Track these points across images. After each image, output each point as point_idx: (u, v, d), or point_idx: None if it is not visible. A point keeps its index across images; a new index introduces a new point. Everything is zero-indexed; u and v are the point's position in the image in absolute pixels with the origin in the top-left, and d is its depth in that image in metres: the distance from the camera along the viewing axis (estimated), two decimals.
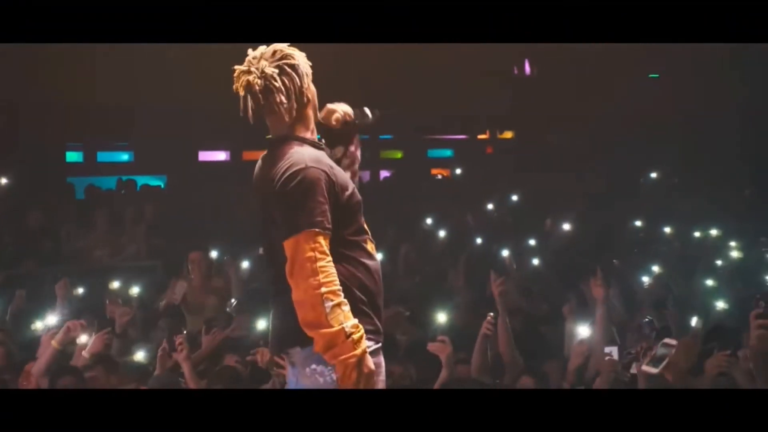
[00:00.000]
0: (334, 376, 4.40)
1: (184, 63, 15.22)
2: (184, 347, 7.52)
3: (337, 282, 4.32)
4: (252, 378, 7.48)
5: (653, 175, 16.15)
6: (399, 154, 20.18)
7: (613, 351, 7.33)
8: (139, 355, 8.26)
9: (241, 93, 4.55)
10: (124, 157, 18.29)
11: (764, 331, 6.46)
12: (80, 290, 10.21)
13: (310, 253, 4.28)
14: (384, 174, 19.26)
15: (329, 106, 4.91)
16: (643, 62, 17.55)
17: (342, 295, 4.33)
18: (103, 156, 17.98)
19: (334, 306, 4.26)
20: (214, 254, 11.08)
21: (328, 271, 4.30)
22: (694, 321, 8.29)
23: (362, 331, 4.34)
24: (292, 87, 4.53)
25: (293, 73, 4.54)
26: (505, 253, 11.62)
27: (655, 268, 10.79)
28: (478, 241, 12.83)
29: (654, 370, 6.46)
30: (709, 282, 10.45)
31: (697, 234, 13.01)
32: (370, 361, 4.34)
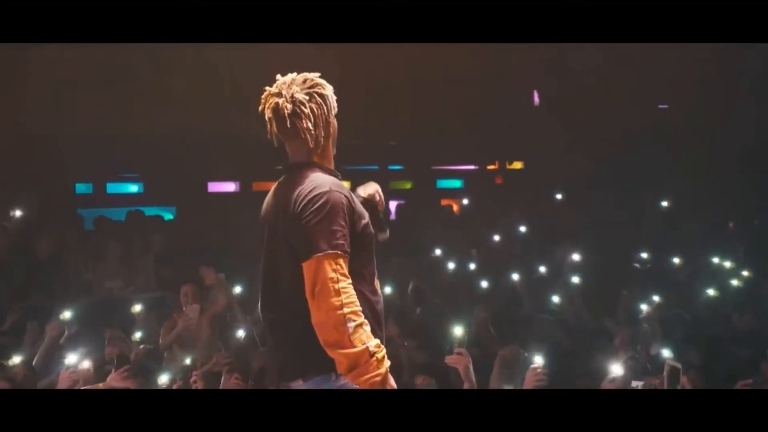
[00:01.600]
0: None
1: (194, 93, 15.30)
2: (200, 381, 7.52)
3: (358, 303, 4.33)
4: None
5: (664, 203, 16.14)
6: (409, 185, 20.19)
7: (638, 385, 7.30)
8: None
9: (268, 115, 4.57)
10: (134, 188, 18.31)
11: None
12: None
13: (333, 274, 4.29)
14: (393, 204, 19.28)
15: (371, 183, 5.00)
16: (652, 91, 17.60)
17: (363, 316, 4.33)
18: (112, 187, 18.01)
19: (356, 326, 4.28)
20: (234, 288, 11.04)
21: (350, 291, 4.31)
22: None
23: (384, 350, 4.35)
24: (320, 115, 4.59)
25: (322, 102, 4.60)
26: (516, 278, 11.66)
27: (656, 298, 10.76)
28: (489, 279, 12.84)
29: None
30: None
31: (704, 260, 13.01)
32: (392, 380, 4.36)
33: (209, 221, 15.56)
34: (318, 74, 4.71)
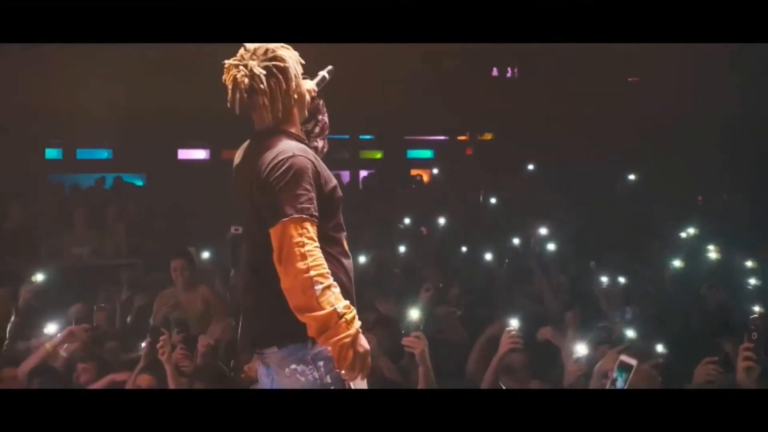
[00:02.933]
0: (316, 375, 4.42)
1: (165, 61, 15.21)
2: (165, 349, 7.47)
3: (326, 266, 4.30)
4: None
5: (631, 177, 16.20)
6: (379, 155, 20.21)
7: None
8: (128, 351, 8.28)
9: (228, 86, 4.56)
10: (104, 154, 18.25)
11: (751, 363, 6.45)
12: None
13: (298, 239, 4.27)
14: (363, 174, 19.29)
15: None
16: (625, 64, 17.64)
17: (331, 278, 4.31)
18: (82, 153, 17.94)
19: (324, 288, 4.24)
20: (202, 255, 11.01)
21: (316, 255, 4.28)
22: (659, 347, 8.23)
23: (354, 311, 4.32)
24: (277, 90, 4.54)
25: (280, 76, 4.54)
26: (489, 256, 11.67)
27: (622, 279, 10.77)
28: (464, 249, 12.87)
29: (621, 386, 6.43)
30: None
31: (676, 235, 13.06)
32: (364, 341, 4.33)
33: (179, 188, 15.52)
34: (282, 44, 4.66)
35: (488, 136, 20.66)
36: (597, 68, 17.27)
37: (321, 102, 5.03)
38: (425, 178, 18.93)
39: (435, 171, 18.36)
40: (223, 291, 10.14)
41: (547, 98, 17.46)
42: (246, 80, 4.50)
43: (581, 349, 7.66)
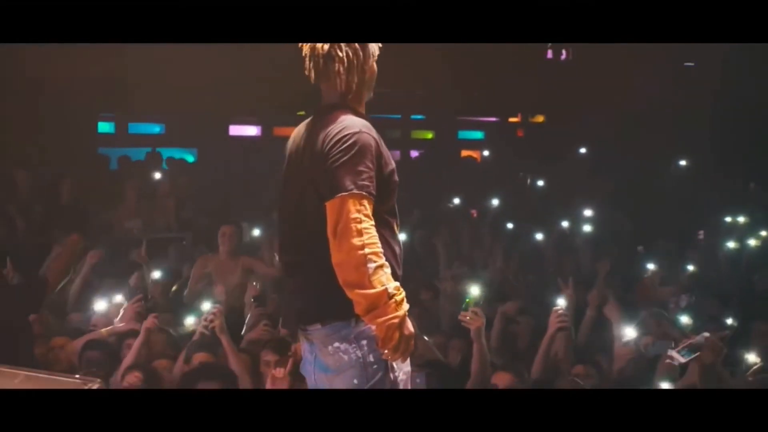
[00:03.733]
0: (359, 353, 4.40)
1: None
2: (217, 319, 7.51)
3: (380, 245, 4.29)
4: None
5: (682, 163, 16.07)
6: (430, 135, 20.18)
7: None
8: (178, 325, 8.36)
9: (305, 52, 4.57)
10: (156, 129, 18.35)
11: None
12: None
13: (356, 215, 4.25)
14: (414, 154, 19.29)
15: None
16: (679, 48, 17.46)
17: (383, 258, 4.29)
18: (134, 127, 18.04)
19: (377, 267, 4.22)
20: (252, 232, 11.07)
21: (372, 233, 4.27)
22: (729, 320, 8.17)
23: (404, 293, 4.30)
24: (355, 60, 4.54)
25: (359, 47, 4.56)
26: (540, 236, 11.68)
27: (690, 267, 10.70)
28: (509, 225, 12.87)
29: (682, 360, 6.41)
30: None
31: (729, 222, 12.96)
32: (410, 324, 4.31)
33: (230, 164, 15.57)
34: None
35: (540, 119, 20.57)
36: (651, 52, 17.11)
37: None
38: (476, 158, 18.89)
39: (486, 152, 18.31)
40: (268, 265, 10.20)
41: (600, 82, 17.33)
42: (325, 47, 4.51)
43: (630, 332, 7.65)
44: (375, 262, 4.23)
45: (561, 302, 7.61)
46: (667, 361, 6.64)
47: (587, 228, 12.41)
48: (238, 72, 15.58)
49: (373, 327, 4.31)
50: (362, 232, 4.24)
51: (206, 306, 7.96)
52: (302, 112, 18.82)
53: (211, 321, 7.48)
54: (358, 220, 4.25)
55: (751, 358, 7.14)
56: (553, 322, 7.48)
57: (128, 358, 7.39)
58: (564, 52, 19.40)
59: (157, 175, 14.07)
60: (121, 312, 8.18)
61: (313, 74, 4.57)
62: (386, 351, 4.29)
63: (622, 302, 8.94)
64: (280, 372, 6.71)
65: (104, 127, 17.66)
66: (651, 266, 10.55)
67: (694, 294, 9.85)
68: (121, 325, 8.05)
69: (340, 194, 4.28)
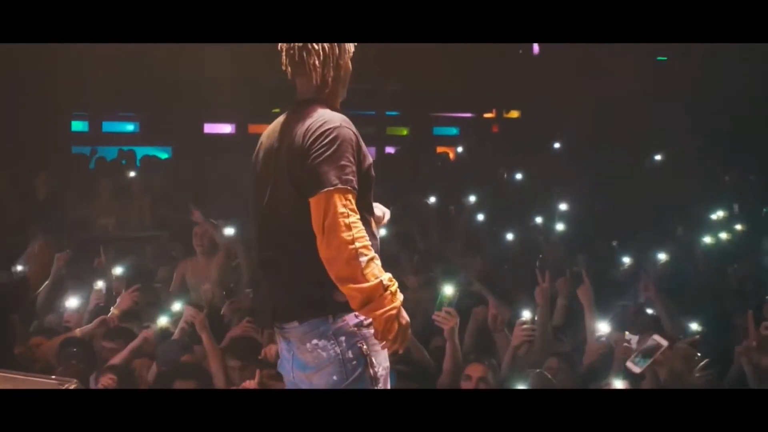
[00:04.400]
0: (337, 350, 4.38)
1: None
2: (198, 316, 7.50)
3: (368, 238, 4.28)
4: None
5: (657, 157, 16.11)
6: (405, 131, 20.19)
7: (632, 339, 7.17)
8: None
9: (281, 46, 4.57)
10: (130, 127, 18.30)
11: None
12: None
13: (342, 209, 4.24)
14: (389, 150, 19.29)
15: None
16: (653, 45, 17.51)
17: (373, 251, 4.29)
18: (108, 126, 17.99)
19: (368, 260, 4.22)
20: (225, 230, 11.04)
21: (360, 226, 4.26)
22: (694, 325, 8.17)
23: (396, 284, 4.30)
24: (330, 55, 4.54)
25: (335, 42, 4.57)
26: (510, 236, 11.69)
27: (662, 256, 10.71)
28: (480, 218, 12.89)
29: (637, 369, 6.38)
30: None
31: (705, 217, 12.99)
32: (405, 313, 4.32)
33: (205, 162, 15.55)
34: None
35: (515, 114, 20.61)
36: (625, 46, 17.16)
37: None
38: (451, 155, 18.90)
39: (460, 149, 18.32)
40: (245, 263, 10.20)
41: (575, 75, 17.38)
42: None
43: (603, 328, 7.66)
44: (366, 255, 4.22)
45: (526, 314, 7.58)
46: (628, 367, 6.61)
47: (564, 223, 12.41)
48: (212, 70, 15.55)
49: (364, 320, 4.34)
50: (350, 226, 4.23)
51: (181, 306, 7.98)
52: (277, 110, 18.85)
53: (193, 318, 7.48)
54: (345, 214, 4.24)
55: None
56: (518, 335, 7.45)
57: (116, 359, 7.40)
58: (536, 46, 19.44)
59: (132, 173, 14.03)
60: (118, 300, 8.19)
61: (289, 69, 4.58)
62: (385, 343, 4.29)
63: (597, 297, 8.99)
64: (251, 384, 6.72)
65: (78, 125, 17.60)
66: (627, 260, 10.59)
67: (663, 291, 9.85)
68: (92, 323, 8.05)
69: (325, 189, 4.26)
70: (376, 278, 4.22)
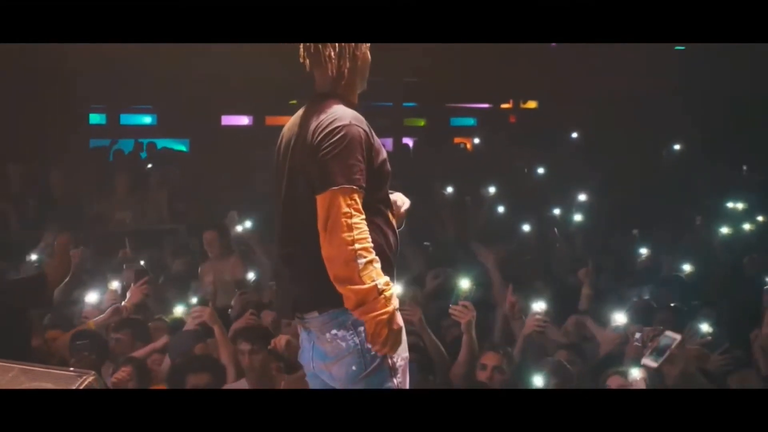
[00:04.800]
0: (357, 340, 4.38)
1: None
2: (205, 310, 7.55)
3: (370, 240, 4.28)
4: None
5: (676, 147, 16.06)
6: (422, 122, 20.18)
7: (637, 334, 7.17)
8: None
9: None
10: (147, 120, 18.33)
11: None
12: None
13: (346, 209, 4.24)
14: (406, 141, 19.29)
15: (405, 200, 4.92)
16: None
17: (374, 253, 4.28)
18: (126, 118, 18.03)
19: (366, 263, 4.22)
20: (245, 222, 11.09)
21: (362, 227, 4.26)
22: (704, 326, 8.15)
23: (392, 289, 4.30)
24: (346, 45, 4.54)
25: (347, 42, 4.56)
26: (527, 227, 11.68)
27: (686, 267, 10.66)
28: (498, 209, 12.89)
29: (654, 364, 6.37)
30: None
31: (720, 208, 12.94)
32: (399, 319, 4.31)
33: (222, 155, 15.57)
34: None
35: (532, 105, 20.57)
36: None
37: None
38: (468, 146, 18.88)
39: (477, 140, 18.30)
40: (264, 256, 10.23)
41: (592, 66, 17.32)
42: None
43: (620, 318, 7.65)
44: (365, 257, 4.22)
45: (539, 306, 7.59)
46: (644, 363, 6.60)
47: (581, 214, 12.40)
48: (229, 62, 15.56)
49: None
50: (352, 227, 4.23)
51: (195, 300, 8.05)
52: (294, 101, 18.91)
53: (200, 315, 7.53)
54: (348, 214, 4.24)
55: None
56: (530, 325, 7.48)
57: (136, 354, 7.47)
58: None
59: (149, 166, 14.07)
60: (128, 294, 8.22)
61: (307, 61, 4.58)
62: (375, 347, 4.29)
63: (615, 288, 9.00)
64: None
65: (95, 118, 17.64)
66: (644, 251, 10.58)
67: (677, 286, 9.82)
68: (104, 313, 8.09)
69: (330, 188, 4.27)
70: (372, 281, 4.21)
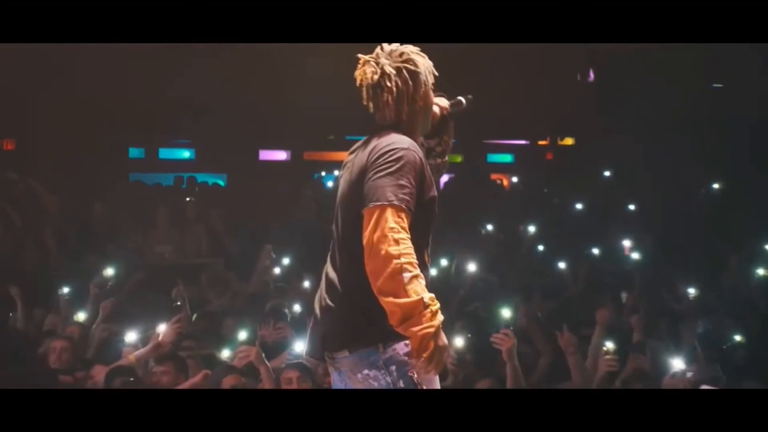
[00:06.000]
0: (389, 379, 4.37)
1: (249, 62, 15.33)
2: (251, 351, 7.58)
3: (415, 256, 4.27)
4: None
5: (715, 186, 15.96)
6: (459, 158, 20.16)
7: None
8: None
9: (358, 81, 4.61)
10: (186, 154, 18.43)
11: None
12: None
13: (394, 225, 4.24)
14: (444, 178, 19.26)
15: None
16: (709, 68, 17.36)
17: (419, 269, 4.26)
18: (164, 153, 18.14)
19: (412, 277, 4.20)
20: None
21: (408, 243, 4.25)
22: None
23: (438, 305, 4.26)
24: (405, 90, 4.57)
25: (409, 78, 4.58)
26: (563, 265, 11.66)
27: None
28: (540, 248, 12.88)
29: None
30: None
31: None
32: (444, 336, 4.27)
33: (260, 189, 15.62)
34: (418, 49, 4.71)
35: (569, 141, 20.53)
36: (679, 72, 17.04)
37: (452, 124, 5.08)
38: (505, 182, 18.85)
39: (515, 177, 18.27)
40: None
41: (629, 103, 17.27)
42: (375, 77, 4.55)
43: (679, 364, 7.59)
44: (410, 271, 4.21)
45: (609, 345, 7.59)
46: None
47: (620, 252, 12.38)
48: (268, 96, 15.63)
49: (406, 342, 4.30)
50: (399, 241, 4.22)
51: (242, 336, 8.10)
52: (332, 137, 19.00)
53: (247, 356, 7.57)
54: (396, 230, 4.24)
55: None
56: (604, 364, 7.49)
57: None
58: (591, 74, 19.37)
59: (188, 200, 14.13)
60: (161, 333, 8.21)
61: (370, 104, 4.61)
62: (420, 363, 4.24)
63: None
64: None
65: (135, 152, 17.77)
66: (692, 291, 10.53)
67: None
68: (146, 348, 8.10)
69: (381, 202, 4.28)
70: (418, 295, 4.19)
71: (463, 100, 5.08)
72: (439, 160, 4.97)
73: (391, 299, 4.21)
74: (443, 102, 4.95)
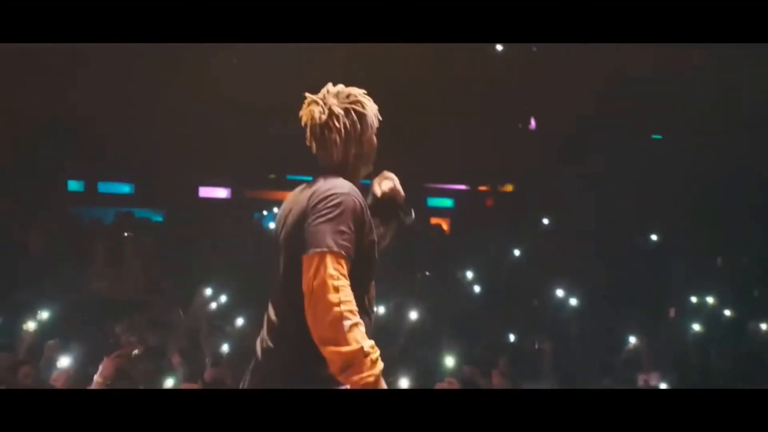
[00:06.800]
0: None
1: (189, 97, 15.27)
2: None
3: (355, 304, 4.27)
4: None
5: (654, 237, 16.11)
6: None
7: None
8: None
9: (304, 120, 4.63)
10: (125, 189, 18.28)
11: None
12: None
13: (333, 272, 4.24)
14: None
15: (386, 173, 4.95)
16: (649, 121, 17.60)
17: (359, 316, 4.27)
18: (104, 187, 17.98)
19: (352, 325, 4.20)
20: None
21: (348, 291, 4.25)
22: None
23: (378, 352, 4.27)
24: (353, 132, 4.60)
25: (357, 120, 4.61)
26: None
27: None
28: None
29: None
30: None
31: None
32: (384, 383, 4.29)
33: (198, 226, 15.52)
34: (364, 91, 4.74)
35: (509, 188, 20.63)
36: (618, 125, 17.25)
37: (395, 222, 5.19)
38: (445, 227, 18.87)
39: (455, 221, 18.31)
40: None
41: (571, 151, 17.41)
42: (323, 117, 4.56)
43: None
44: (350, 319, 4.21)
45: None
46: None
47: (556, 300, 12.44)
48: (210, 133, 15.58)
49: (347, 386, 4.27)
50: (338, 288, 4.23)
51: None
52: (273, 175, 18.94)
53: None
54: (335, 277, 4.24)
55: None
56: None
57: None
58: (533, 123, 19.52)
59: (125, 235, 14.01)
60: (100, 368, 8.15)
61: (313, 144, 4.61)
62: None
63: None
64: None
65: (74, 185, 17.60)
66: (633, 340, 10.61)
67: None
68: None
69: (320, 250, 4.28)
70: (358, 343, 4.20)
71: (412, 214, 5.17)
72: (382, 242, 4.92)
73: (331, 348, 4.21)
74: (398, 186, 5.07)
